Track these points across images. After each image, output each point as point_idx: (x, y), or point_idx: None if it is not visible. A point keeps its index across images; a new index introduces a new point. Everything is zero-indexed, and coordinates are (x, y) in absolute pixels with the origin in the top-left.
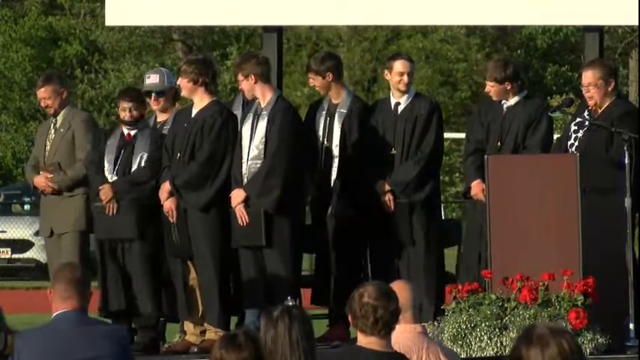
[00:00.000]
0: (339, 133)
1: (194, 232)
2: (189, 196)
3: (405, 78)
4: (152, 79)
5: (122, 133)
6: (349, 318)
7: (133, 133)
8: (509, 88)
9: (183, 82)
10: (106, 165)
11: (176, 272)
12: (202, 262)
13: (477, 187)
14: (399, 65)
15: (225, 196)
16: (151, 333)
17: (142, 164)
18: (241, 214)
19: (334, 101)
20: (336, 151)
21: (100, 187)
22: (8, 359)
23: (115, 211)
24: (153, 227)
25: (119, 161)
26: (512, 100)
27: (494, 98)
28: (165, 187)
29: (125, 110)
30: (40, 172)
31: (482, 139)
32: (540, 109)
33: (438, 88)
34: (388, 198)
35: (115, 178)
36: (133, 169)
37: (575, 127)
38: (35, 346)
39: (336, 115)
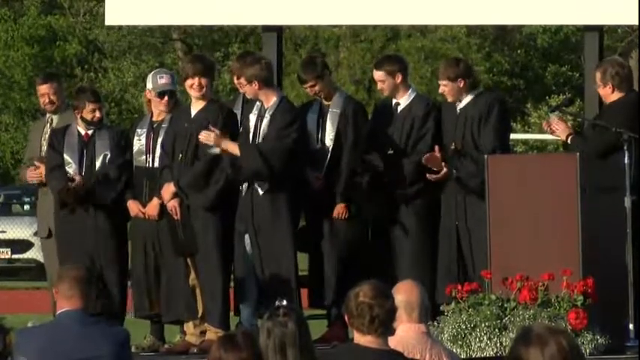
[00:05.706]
0: (332, 132)
1: (199, 232)
2: (195, 196)
3: (380, 85)
4: (165, 80)
5: (79, 133)
6: (346, 318)
7: (90, 132)
8: (462, 85)
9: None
10: (72, 165)
11: (177, 272)
12: (207, 262)
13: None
14: (375, 75)
15: (230, 195)
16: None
17: (107, 164)
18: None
19: (326, 101)
20: (329, 150)
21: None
22: (8, 359)
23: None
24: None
25: (84, 161)
26: (465, 100)
27: (449, 99)
28: (169, 189)
29: (94, 111)
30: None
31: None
32: (489, 103)
33: (437, 87)
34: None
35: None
36: (97, 168)
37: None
38: (35, 344)
39: (329, 115)
